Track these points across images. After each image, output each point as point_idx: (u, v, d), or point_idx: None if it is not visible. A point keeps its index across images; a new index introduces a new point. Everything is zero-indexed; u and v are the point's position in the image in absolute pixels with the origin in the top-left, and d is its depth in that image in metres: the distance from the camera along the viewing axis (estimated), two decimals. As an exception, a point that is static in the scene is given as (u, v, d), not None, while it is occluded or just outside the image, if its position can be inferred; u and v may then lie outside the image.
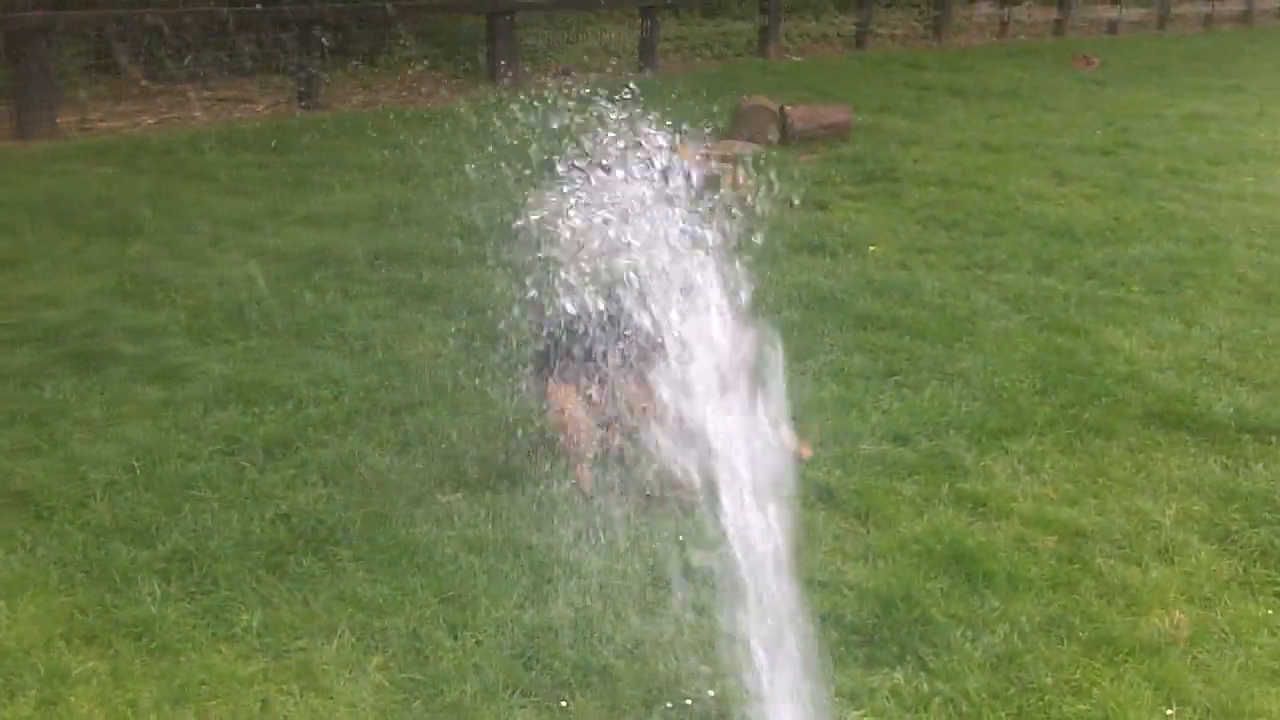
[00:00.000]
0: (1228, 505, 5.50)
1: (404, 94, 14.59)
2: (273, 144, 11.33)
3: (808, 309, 7.61)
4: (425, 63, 15.95)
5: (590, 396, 5.19)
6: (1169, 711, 4.17)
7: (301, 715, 3.97)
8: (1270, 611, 4.77)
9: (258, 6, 13.82)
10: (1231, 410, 6.39)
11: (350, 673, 4.15)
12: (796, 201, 9.85)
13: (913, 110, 14.59)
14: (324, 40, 13.85)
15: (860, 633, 4.43)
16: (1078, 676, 4.30)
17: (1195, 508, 5.49)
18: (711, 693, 4.11)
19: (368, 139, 11.65)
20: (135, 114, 12.69)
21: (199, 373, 6.36)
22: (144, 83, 13.69)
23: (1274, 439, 6.15)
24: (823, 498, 5.38)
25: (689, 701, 4.08)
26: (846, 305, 7.67)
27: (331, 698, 4.04)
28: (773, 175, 10.85)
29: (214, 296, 7.36)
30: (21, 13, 11.44)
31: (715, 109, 13.10)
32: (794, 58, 19.22)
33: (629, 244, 4.31)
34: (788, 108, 12.44)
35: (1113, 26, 25.74)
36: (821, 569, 4.79)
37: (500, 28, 15.15)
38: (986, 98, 15.87)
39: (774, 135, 12.16)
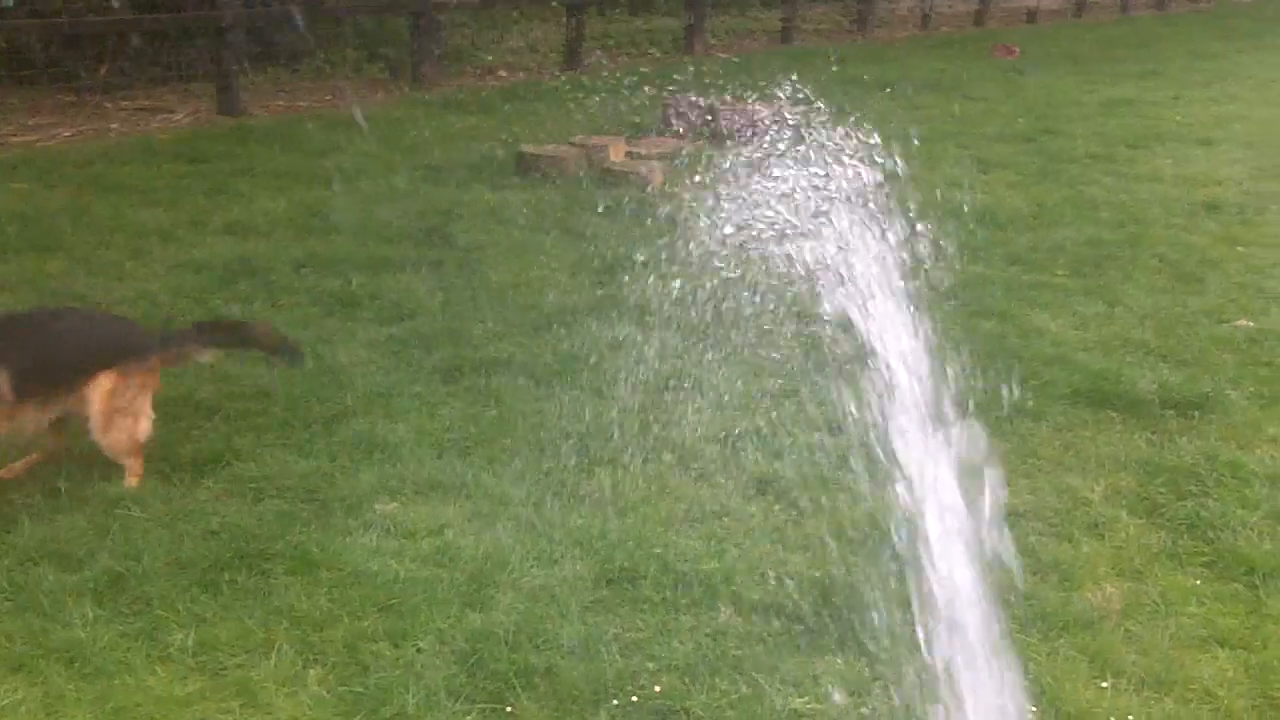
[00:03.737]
0: (1154, 479, 5.60)
1: (326, 98, 14.47)
2: (192, 153, 11.20)
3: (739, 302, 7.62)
4: (347, 66, 15.83)
5: None
6: (1104, 684, 4.23)
7: (242, 732, 3.94)
8: (1199, 581, 4.86)
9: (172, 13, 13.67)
10: (1155, 387, 6.49)
11: (290, 688, 4.11)
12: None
13: (839, 104, 14.64)
14: (241, 45, 13.70)
15: (802, 621, 4.45)
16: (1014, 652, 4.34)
17: (1123, 483, 5.58)
18: (658, 688, 4.12)
19: (290, 146, 11.55)
20: (49, 127, 12.47)
21: (125, 389, 6.26)
22: (58, 95, 13.50)
23: (1197, 413, 6.26)
24: (761, 489, 5.40)
25: (635, 699, 4.09)
26: (780, 298, 7.69)
27: (271, 714, 4.00)
28: (703, 170, 10.89)
29: (136, 311, 7.24)
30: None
31: (644, 106, 13.12)
32: (721, 54, 19.25)
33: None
34: (716, 103, 12.46)
35: (1032, 16, 25.98)
36: (763, 560, 4.81)
37: (424, 28, 15.06)
38: (911, 89, 15.97)
39: (703, 131, 12.17)
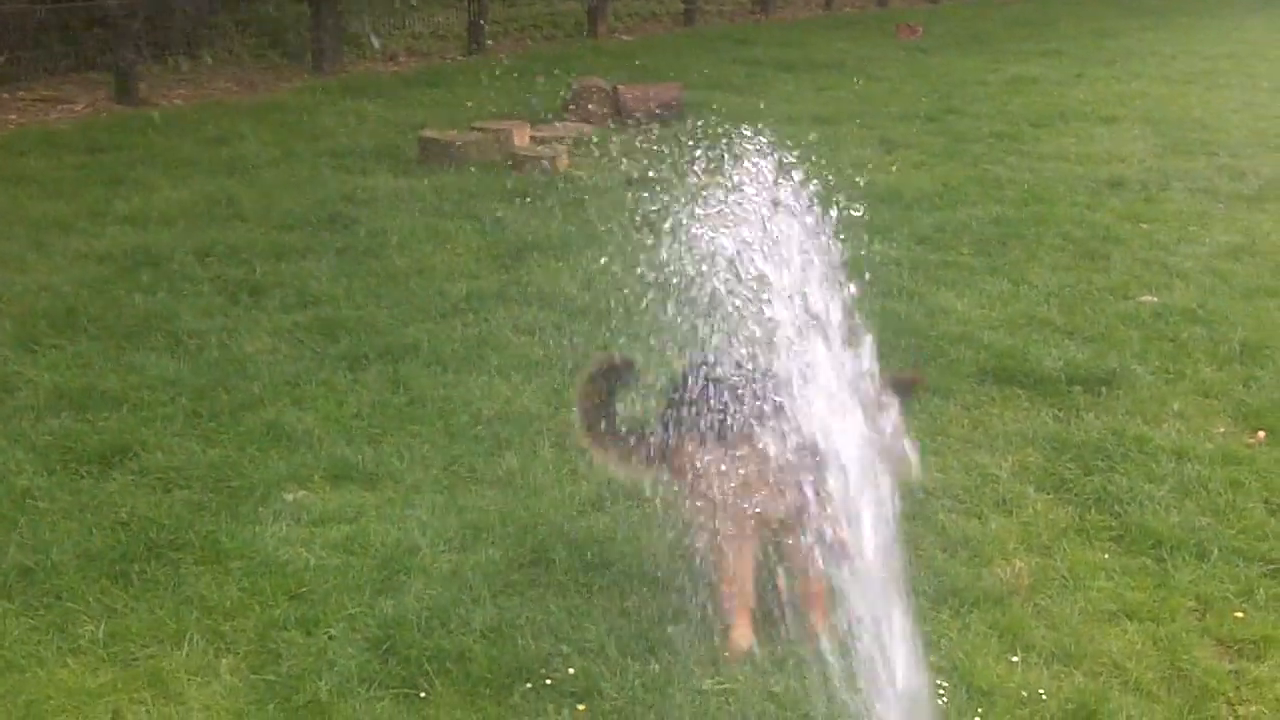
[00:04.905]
0: (1061, 455, 5.69)
1: (227, 86, 14.29)
2: (92, 143, 11.01)
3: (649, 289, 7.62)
4: (248, 54, 15.63)
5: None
6: (1014, 658, 4.30)
7: (153, 724, 3.91)
8: (1106, 555, 4.95)
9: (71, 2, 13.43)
10: (1061, 364, 6.59)
11: (202, 677, 4.09)
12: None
13: (743, 86, 14.69)
14: (140, 34, 13.47)
15: (715, 603, 4.47)
16: (925, 628, 4.39)
17: (1031, 459, 5.67)
18: (571, 670, 4.13)
19: (191, 134, 11.40)
20: (-54, 120, 12.24)
21: (27, 382, 6.17)
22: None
23: (1103, 389, 6.36)
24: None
25: (548, 681, 4.10)
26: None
27: (184, 704, 3.98)
28: (609, 154, 10.88)
29: (39, 303, 7.14)
30: None
31: (547, 90, 13.08)
32: (624, 37, 19.23)
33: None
34: (620, 87, 12.45)
35: (934, -5, 26.18)
36: (675, 543, 4.83)
37: (324, 14, 14.90)
38: (815, 70, 16.04)
39: (608, 115, 12.16)
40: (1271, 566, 4.90)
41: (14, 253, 8.06)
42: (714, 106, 13.13)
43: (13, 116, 12.42)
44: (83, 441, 5.55)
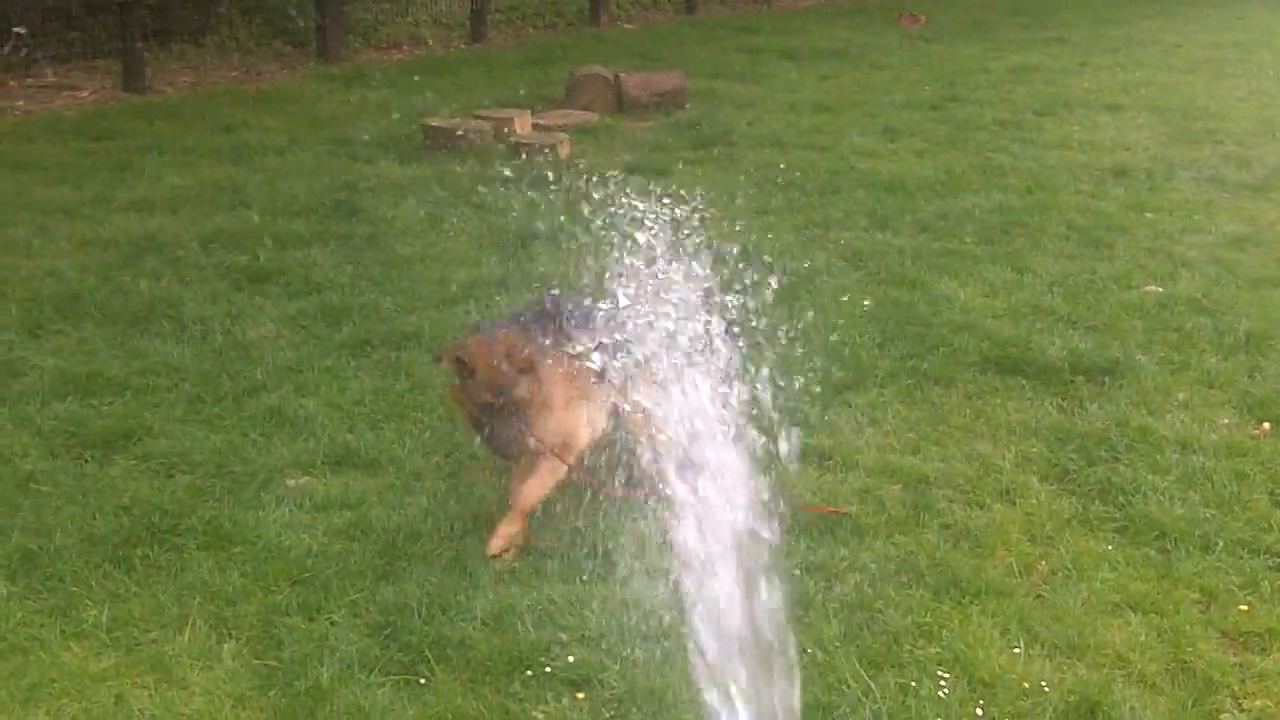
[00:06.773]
0: (1065, 446, 5.67)
1: (232, 74, 14.27)
2: (98, 130, 11.01)
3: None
4: (253, 42, 15.62)
5: None
6: (1016, 650, 4.29)
7: (156, 708, 3.92)
8: (1110, 547, 4.94)
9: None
10: (1065, 353, 6.57)
11: (204, 662, 4.11)
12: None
13: (745, 74, 14.65)
14: (146, 21, 13.46)
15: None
16: (927, 619, 4.40)
17: (1034, 450, 5.65)
18: (570, 658, 4.14)
19: (196, 122, 11.40)
20: (-48, 106, 12.23)
21: (32, 367, 6.19)
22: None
23: (1106, 379, 6.34)
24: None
25: (548, 669, 4.11)
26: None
27: (186, 688, 4.00)
28: (610, 142, 10.87)
29: (44, 288, 7.16)
30: None
31: (549, 79, 13.07)
32: (626, 25, 19.20)
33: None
34: (622, 75, 12.42)
35: (938, -16, 26.07)
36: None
37: (328, 2, 14.89)
38: (817, 59, 15.99)
39: (609, 103, 12.15)
40: (1277, 559, 4.89)
41: (20, 238, 8.07)
42: (716, 95, 13.13)
43: (20, 103, 12.42)
44: (87, 426, 5.57)
